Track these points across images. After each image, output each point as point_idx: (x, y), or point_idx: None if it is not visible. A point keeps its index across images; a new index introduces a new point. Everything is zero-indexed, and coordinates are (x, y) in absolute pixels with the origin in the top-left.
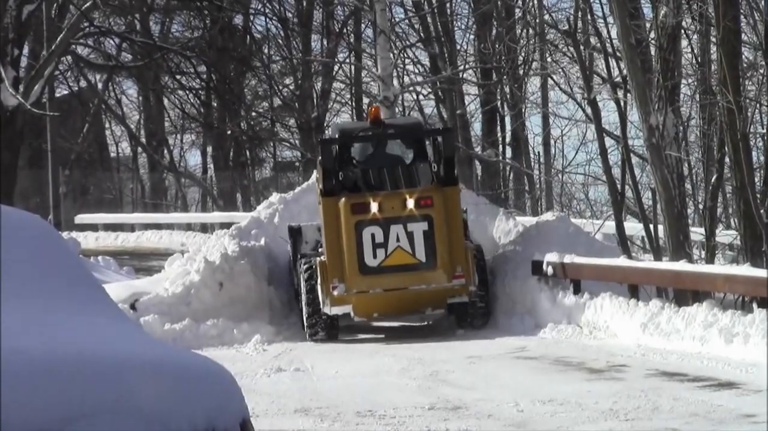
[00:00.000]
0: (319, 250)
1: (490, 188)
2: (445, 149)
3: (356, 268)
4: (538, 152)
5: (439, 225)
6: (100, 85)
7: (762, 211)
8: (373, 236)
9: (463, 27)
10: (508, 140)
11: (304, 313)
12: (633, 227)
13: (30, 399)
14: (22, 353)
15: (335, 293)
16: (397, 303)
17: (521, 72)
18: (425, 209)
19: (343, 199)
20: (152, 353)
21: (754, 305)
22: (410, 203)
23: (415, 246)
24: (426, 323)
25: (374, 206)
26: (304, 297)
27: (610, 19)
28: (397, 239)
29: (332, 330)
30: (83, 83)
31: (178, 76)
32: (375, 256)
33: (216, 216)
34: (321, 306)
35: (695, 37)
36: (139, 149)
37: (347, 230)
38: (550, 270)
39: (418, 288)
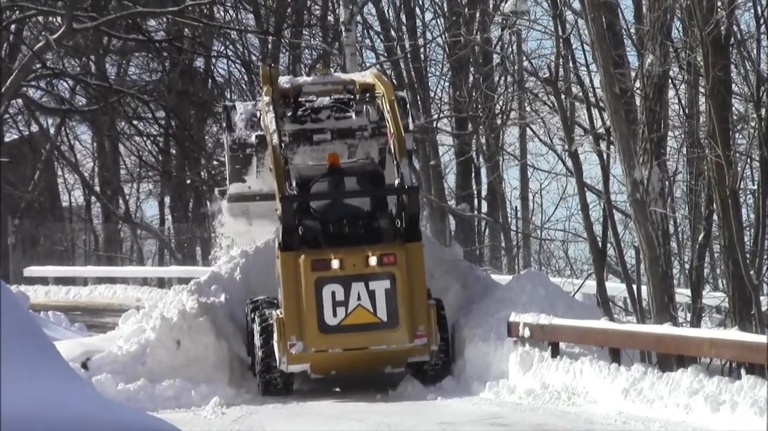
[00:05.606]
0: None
1: (464, 245)
2: (410, 208)
3: (315, 326)
4: (516, 207)
5: (402, 283)
6: (52, 130)
7: (751, 272)
8: (333, 293)
9: (437, 73)
10: (483, 193)
11: (257, 368)
12: (615, 287)
13: None
14: None
15: (293, 351)
16: (356, 362)
17: (498, 121)
18: (388, 266)
19: (303, 255)
20: (104, 415)
21: (742, 372)
22: (373, 261)
23: (376, 305)
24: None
25: (335, 263)
26: (258, 352)
27: (593, 67)
28: (358, 298)
29: (287, 387)
30: (34, 128)
31: (135, 122)
32: (335, 314)
33: (174, 270)
34: (277, 363)
35: (683, 87)
36: (93, 198)
37: (307, 287)
38: (526, 332)
39: (378, 348)
